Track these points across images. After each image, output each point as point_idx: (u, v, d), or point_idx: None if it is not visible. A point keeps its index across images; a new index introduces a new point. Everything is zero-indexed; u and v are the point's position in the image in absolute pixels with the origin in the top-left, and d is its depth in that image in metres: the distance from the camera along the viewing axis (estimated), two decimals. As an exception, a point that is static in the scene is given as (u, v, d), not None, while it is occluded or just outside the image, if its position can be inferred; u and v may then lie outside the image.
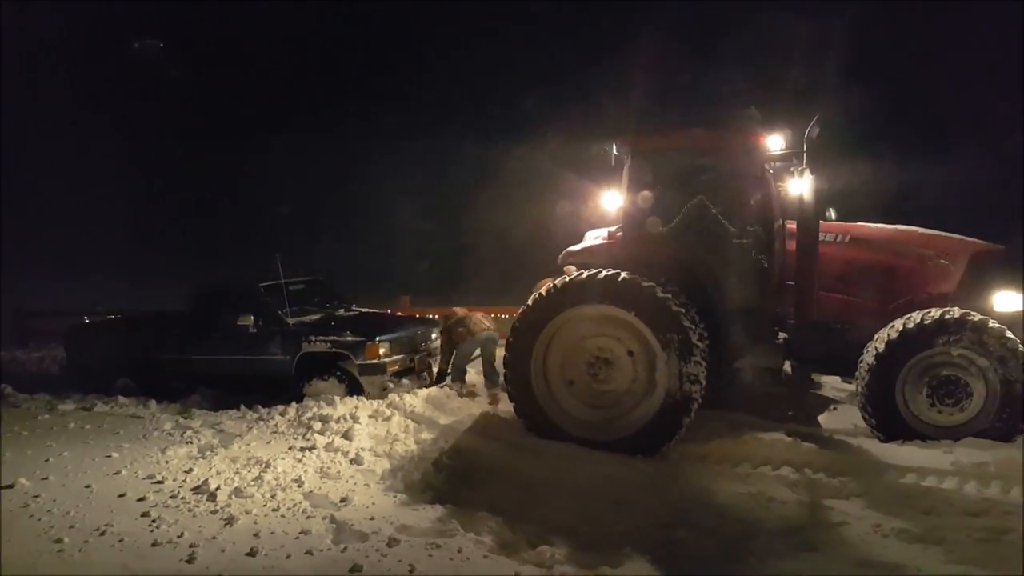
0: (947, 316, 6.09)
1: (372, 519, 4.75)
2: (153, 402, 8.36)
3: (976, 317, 6.04)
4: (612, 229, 7.39)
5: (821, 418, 7.28)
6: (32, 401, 8.63)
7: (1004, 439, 5.95)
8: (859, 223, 7.31)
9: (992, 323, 6.01)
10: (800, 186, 6.54)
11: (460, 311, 8.64)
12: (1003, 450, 5.73)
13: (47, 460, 6.20)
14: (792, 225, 6.83)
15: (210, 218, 24.23)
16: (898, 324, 6.23)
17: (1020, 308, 6.45)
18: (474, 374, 8.65)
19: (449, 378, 8.45)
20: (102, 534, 4.55)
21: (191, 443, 6.58)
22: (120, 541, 4.45)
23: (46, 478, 5.70)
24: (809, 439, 6.33)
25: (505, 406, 7.10)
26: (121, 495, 5.28)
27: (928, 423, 6.21)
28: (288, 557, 4.21)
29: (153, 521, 4.74)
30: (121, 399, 8.52)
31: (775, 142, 6.76)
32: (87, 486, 5.49)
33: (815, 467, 5.76)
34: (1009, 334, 5.98)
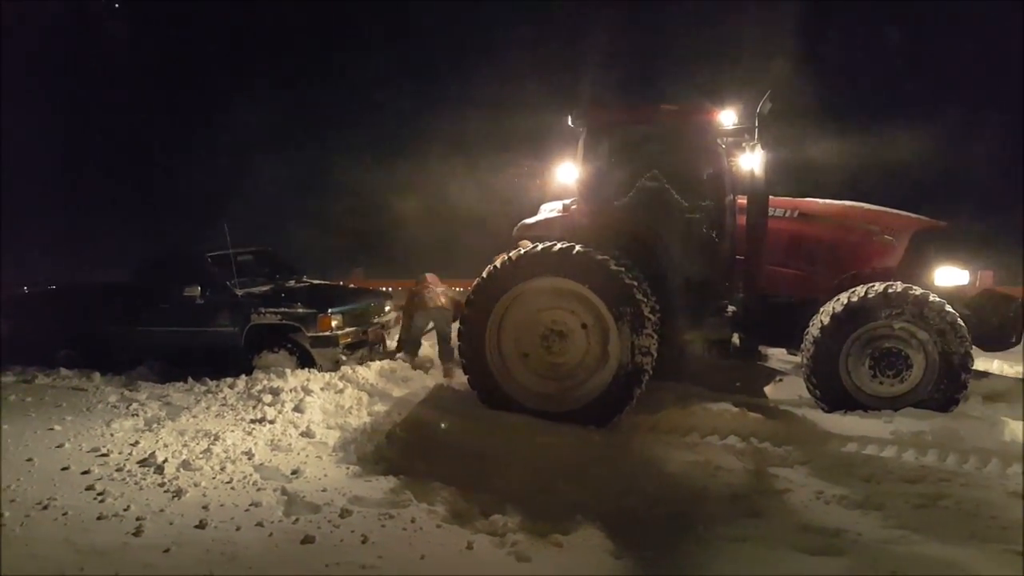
0: (890, 290, 6.27)
1: (324, 491, 4.73)
2: (97, 374, 8.15)
3: (917, 291, 6.23)
4: (567, 202, 7.41)
5: (767, 389, 7.46)
6: (-32, 374, 8.33)
7: (942, 409, 6.17)
8: (807, 199, 7.45)
9: (933, 297, 6.20)
10: (751, 161, 6.63)
11: (430, 278, 8.53)
12: (940, 420, 5.95)
13: (-15, 434, 6.00)
14: (743, 200, 6.93)
15: (157, 188, 23.56)
16: (843, 298, 6.40)
17: (960, 283, 6.69)
18: (428, 347, 8.63)
19: (403, 350, 8.42)
20: (45, 508, 4.43)
21: (137, 416, 6.45)
22: (64, 515, 4.35)
23: (-15, 452, 5.52)
24: (756, 409, 6.48)
25: (459, 379, 7.10)
26: (64, 468, 5.14)
27: (870, 394, 6.41)
28: (238, 529, 4.16)
29: (98, 494, 4.63)
30: (63, 371, 8.29)
31: (727, 117, 6.82)
32: (29, 459, 5.34)
33: (761, 436, 5.91)
34: (949, 308, 6.18)
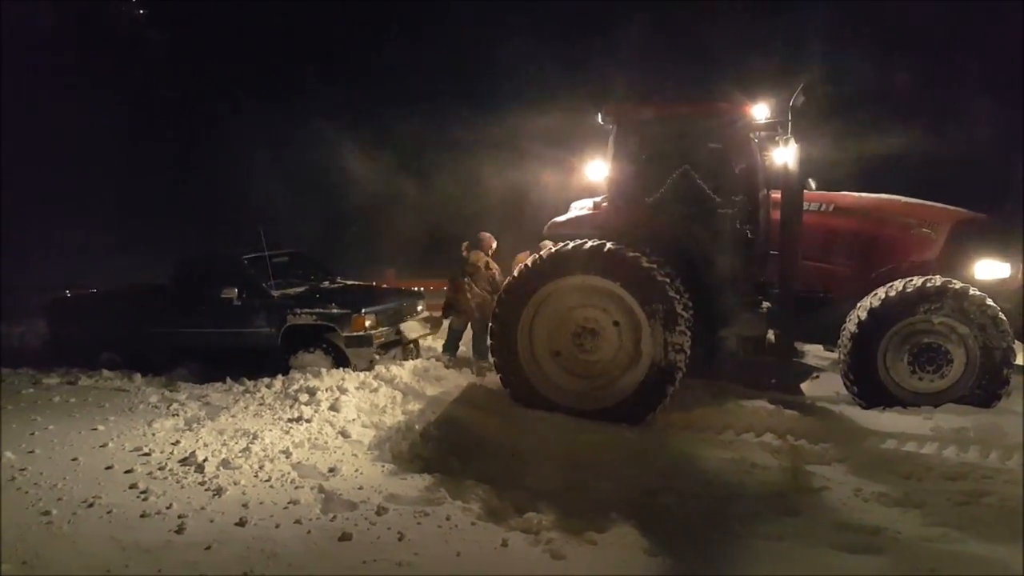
0: (928, 284, 6.16)
1: (361, 489, 4.78)
2: (138, 375, 8.32)
3: (957, 285, 6.11)
4: (598, 199, 7.39)
5: (804, 386, 7.37)
6: (15, 375, 8.55)
7: (983, 405, 6.07)
8: (842, 192, 7.34)
9: (973, 291, 6.09)
10: (785, 155, 6.55)
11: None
12: (982, 416, 5.84)
13: (32, 434, 6.17)
14: (776, 195, 6.85)
15: (193, 193, 23.95)
16: (880, 292, 6.30)
17: (1001, 276, 6.54)
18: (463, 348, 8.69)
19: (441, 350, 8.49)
20: (90, 506, 4.55)
21: (177, 415, 6.58)
22: (109, 512, 4.45)
23: (32, 451, 5.67)
24: (792, 406, 6.42)
25: (492, 378, 7.13)
26: (108, 467, 5.26)
27: (909, 390, 6.31)
28: (277, 527, 4.23)
29: (141, 493, 4.73)
30: (105, 373, 8.47)
31: (760, 111, 6.75)
32: (74, 459, 5.47)
33: (797, 433, 5.85)
34: (989, 301, 6.06)
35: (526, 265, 6.58)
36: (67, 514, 4.44)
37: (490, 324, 6.76)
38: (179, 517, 4.34)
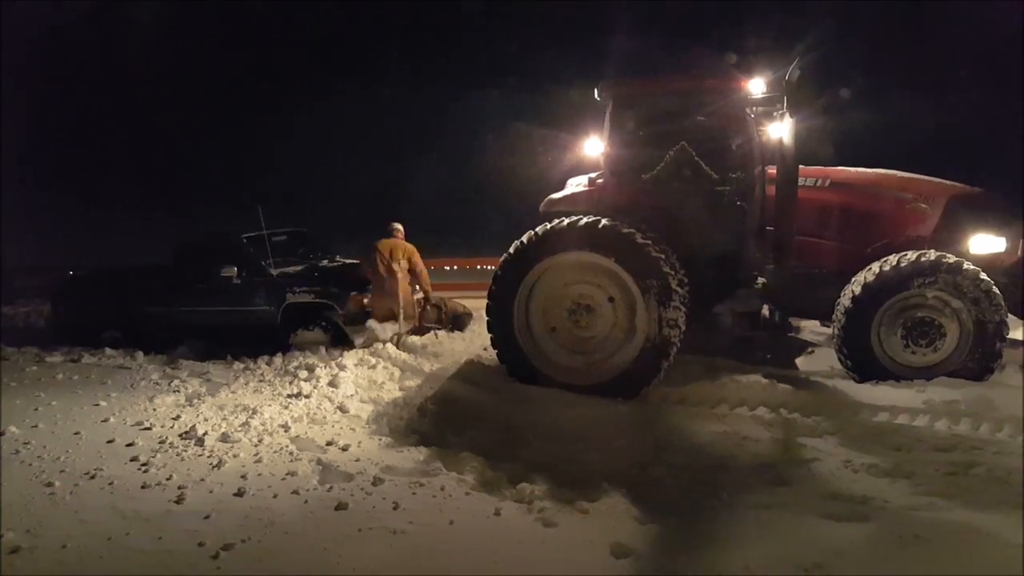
0: (923, 259, 6.19)
1: (357, 461, 4.86)
2: (140, 353, 8.41)
3: (951, 259, 6.13)
4: (593, 176, 7.40)
5: (798, 361, 7.42)
6: (19, 354, 8.65)
7: (976, 379, 6.11)
8: (838, 167, 7.34)
9: (967, 265, 6.11)
10: (780, 130, 6.55)
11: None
12: (974, 389, 5.88)
13: (36, 409, 6.27)
14: (772, 170, 6.85)
15: (192, 171, 23.99)
16: (875, 267, 6.33)
17: (996, 250, 6.56)
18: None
19: None
20: (92, 478, 4.63)
21: (178, 392, 6.66)
22: (110, 484, 4.54)
23: (36, 426, 5.76)
24: (785, 381, 6.45)
25: (488, 353, 7.19)
26: (110, 441, 5.35)
27: (902, 364, 6.36)
28: (275, 497, 4.30)
29: (142, 465, 4.82)
30: (108, 351, 8.56)
31: (756, 86, 6.74)
32: (76, 433, 5.56)
33: (790, 407, 5.90)
34: (983, 276, 6.09)
35: (521, 242, 6.61)
36: (69, 485, 4.52)
37: (487, 301, 6.78)
38: (179, 488, 4.43)
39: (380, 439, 5.33)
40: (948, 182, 6.95)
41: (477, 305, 8.22)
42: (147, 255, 10.88)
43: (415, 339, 7.88)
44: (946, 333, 6.25)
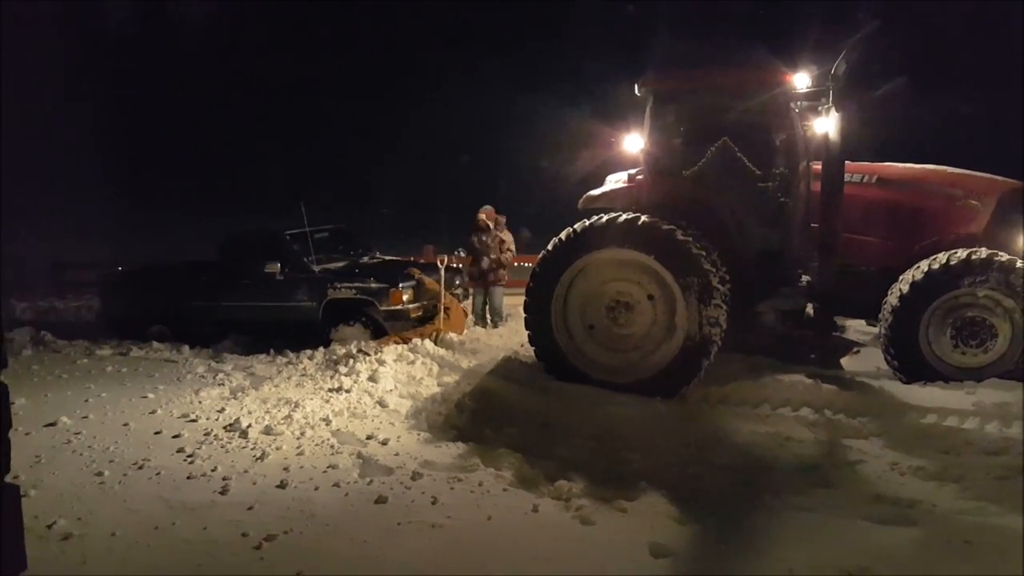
0: (974, 257, 6.02)
1: (397, 455, 4.90)
2: (186, 347, 8.59)
3: (1003, 257, 5.96)
4: (633, 172, 7.34)
5: (844, 360, 7.28)
6: (71, 347, 8.88)
7: (1029, 380, 5.92)
8: (885, 163, 7.17)
9: (1020, 263, 5.93)
10: (826, 125, 6.42)
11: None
12: (1026, 391, 5.71)
13: (86, 400, 6.44)
14: (818, 166, 6.72)
15: (235, 170, 24.42)
16: (924, 265, 6.18)
17: (1050, 249, 6.35)
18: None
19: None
20: (140, 468, 4.75)
21: (223, 385, 6.79)
22: (157, 474, 4.65)
23: (86, 417, 5.92)
24: (830, 381, 6.35)
25: (527, 351, 7.18)
26: (157, 432, 5.48)
27: (951, 364, 6.19)
28: (316, 489, 4.37)
29: (188, 456, 4.93)
30: (155, 344, 8.76)
31: (801, 80, 6.61)
32: (125, 424, 5.71)
33: (835, 408, 5.79)
34: (1037, 275, 5.90)
35: (559, 239, 6.59)
36: (118, 475, 4.64)
37: (524, 298, 6.78)
38: (223, 479, 4.51)
39: (419, 434, 5.37)
40: (1000, 178, 6.74)
41: (515, 302, 8.23)
42: (193, 252, 11.10)
43: (453, 335, 7.91)
44: (997, 333, 6.08)
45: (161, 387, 6.85)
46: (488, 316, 9.13)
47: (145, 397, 6.49)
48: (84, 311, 12.08)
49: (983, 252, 6.02)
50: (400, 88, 23.71)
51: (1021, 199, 6.50)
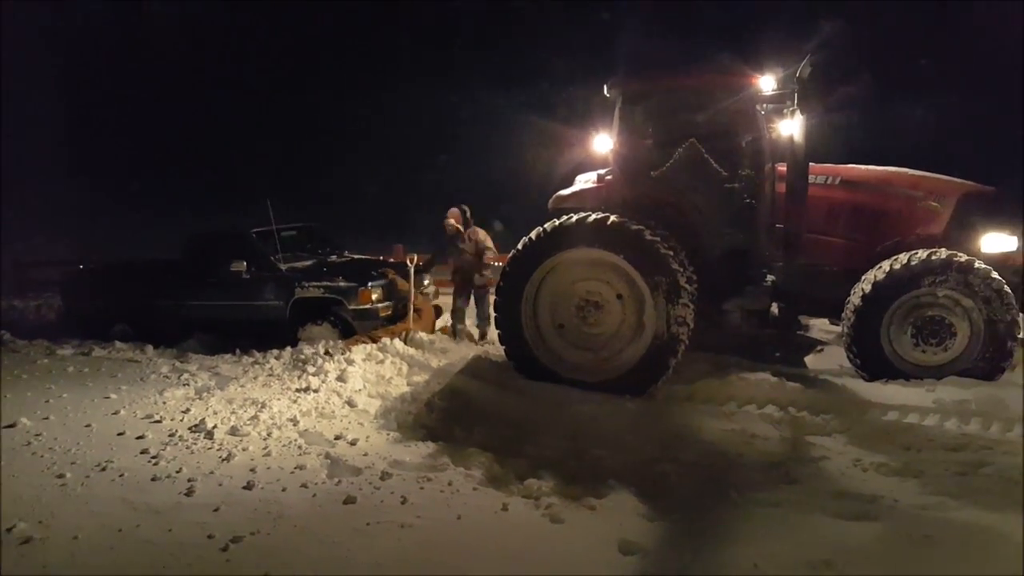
0: (933, 257, 6.16)
1: (366, 455, 4.87)
2: (150, 347, 8.44)
3: (962, 258, 6.10)
4: (602, 172, 7.39)
5: (807, 359, 7.40)
6: (31, 347, 8.69)
7: (986, 378, 6.08)
8: (849, 165, 7.31)
9: (978, 264, 6.08)
10: (791, 127, 6.53)
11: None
12: (984, 388, 5.86)
13: (47, 401, 6.30)
14: (782, 168, 6.83)
15: (199, 168, 24.08)
16: (885, 265, 6.30)
17: (1008, 249, 6.52)
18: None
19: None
20: (103, 469, 4.66)
21: (188, 385, 6.68)
22: (120, 476, 4.56)
23: (47, 418, 5.79)
24: (794, 379, 6.43)
25: (496, 349, 7.19)
26: (120, 433, 5.37)
27: (912, 363, 6.34)
28: (284, 490, 4.32)
29: (152, 458, 4.84)
30: (118, 344, 8.59)
31: (766, 82, 6.71)
32: (87, 425, 5.59)
33: (799, 405, 5.89)
34: (995, 275, 6.06)
35: (529, 238, 6.61)
36: (80, 477, 4.55)
37: (493, 296, 6.80)
38: (188, 481, 4.45)
39: (388, 434, 5.34)
40: (960, 180, 6.91)
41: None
42: (159, 250, 10.92)
43: (423, 335, 7.88)
44: (956, 332, 6.23)
45: (124, 387, 6.72)
46: (476, 323, 8.78)
47: (108, 398, 6.37)
48: (45, 310, 11.82)
49: (943, 253, 6.17)
50: (374, 88, 23.58)
51: (980, 201, 6.66)
